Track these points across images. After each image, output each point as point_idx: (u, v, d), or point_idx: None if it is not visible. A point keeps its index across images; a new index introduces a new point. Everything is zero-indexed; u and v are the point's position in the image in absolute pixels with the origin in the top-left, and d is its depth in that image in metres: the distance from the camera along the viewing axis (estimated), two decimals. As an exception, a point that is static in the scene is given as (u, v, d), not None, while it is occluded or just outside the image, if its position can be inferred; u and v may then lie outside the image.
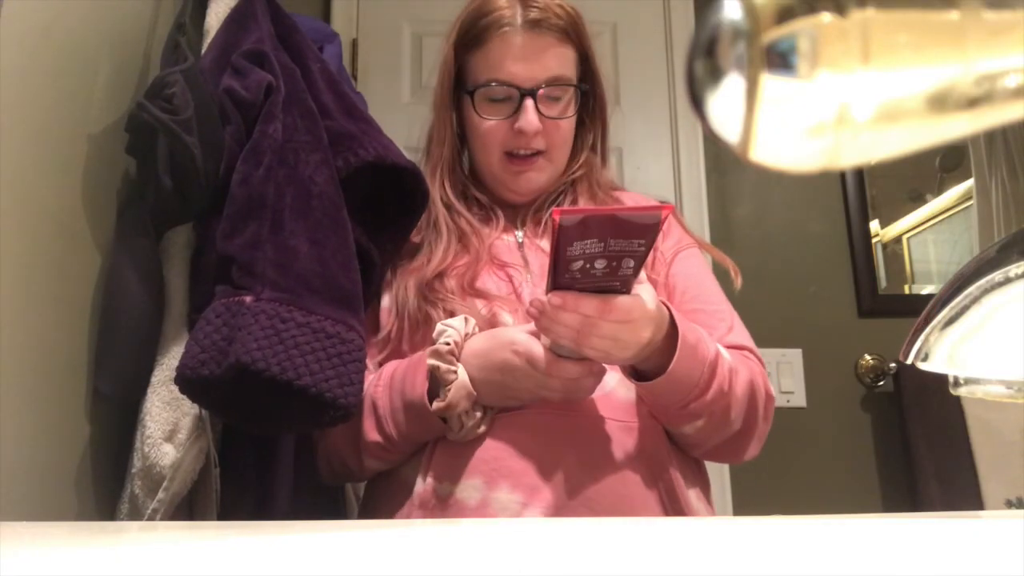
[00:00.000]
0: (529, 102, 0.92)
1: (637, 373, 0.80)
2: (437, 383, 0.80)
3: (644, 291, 0.75)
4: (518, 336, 0.79)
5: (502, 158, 0.95)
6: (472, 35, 0.95)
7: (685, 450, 0.88)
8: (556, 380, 0.77)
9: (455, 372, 0.79)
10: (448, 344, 0.80)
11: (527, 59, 0.92)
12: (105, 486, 0.82)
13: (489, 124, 0.94)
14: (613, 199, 0.99)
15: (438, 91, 0.99)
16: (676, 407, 0.80)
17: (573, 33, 0.96)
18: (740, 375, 0.83)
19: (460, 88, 0.98)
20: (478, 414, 0.80)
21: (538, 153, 0.95)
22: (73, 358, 0.80)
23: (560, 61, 0.94)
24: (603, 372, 0.79)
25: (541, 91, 0.92)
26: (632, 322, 0.72)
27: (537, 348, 0.77)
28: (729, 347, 0.86)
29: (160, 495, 0.77)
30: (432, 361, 0.80)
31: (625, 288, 0.72)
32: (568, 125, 0.97)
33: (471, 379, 0.79)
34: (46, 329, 0.76)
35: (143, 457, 0.77)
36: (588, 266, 0.68)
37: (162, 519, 0.77)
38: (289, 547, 0.34)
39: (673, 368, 0.76)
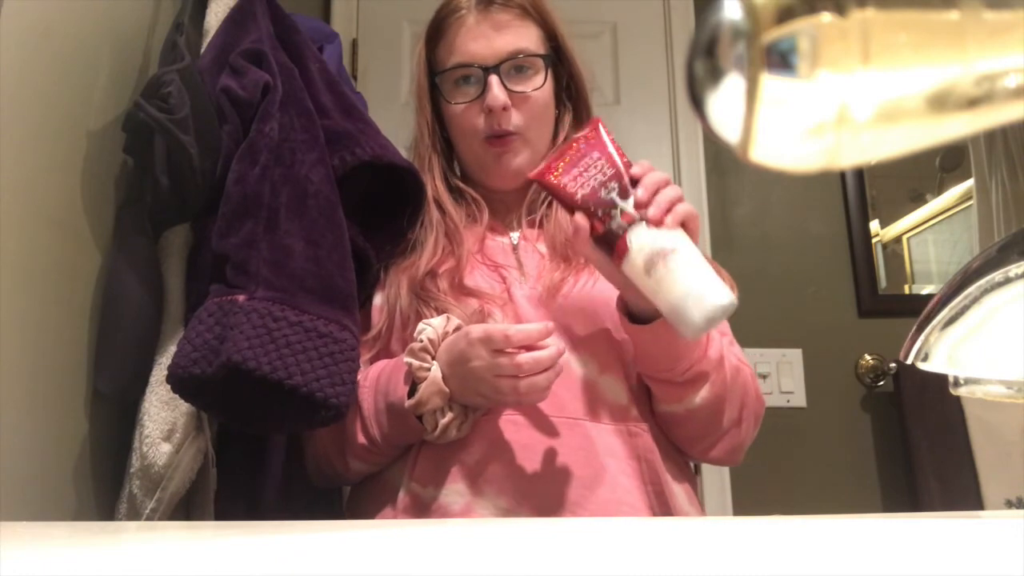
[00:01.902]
0: (493, 78, 0.91)
1: (639, 321, 0.79)
2: (416, 383, 0.79)
3: None
4: (476, 326, 0.77)
5: (482, 143, 0.94)
6: (434, 28, 0.98)
7: (683, 446, 0.88)
8: (507, 361, 0.74)
9: (427, 369, 0.78)
10: (422, 342, 0.79)
11: (485, 37, 0.93)
12: (104, 486, 0.82)
13: (460, 108, 0.94)
14: None
15: (415, 91, 1.00)
16: (682, 367, 0.80)
17: (533, 11, 0.96)
18: (730, 358, 0.85)
19: (434, 83, 0.98)
20: (450, 413, 0.78)
21: (514, 134, 0.93)
22: (73, 358, 0.80)
23: (520, 36, 0.94)
24: (562, 351, 0.76)
25: (504, 65, 0.92)
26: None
27: (493, 327, 0.76)
28: None
29: (158, 495, 0.77)
30: (407, 359, 0.79)
31: None
32: (541, 99, 0.95)
33: (444, 376, 0.77)
34: (46, 329, 0.76)
35: (141, 457, 0.77)
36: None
37: (160, 519, 0.77)
38: (288, 547, 0.34)
39: None
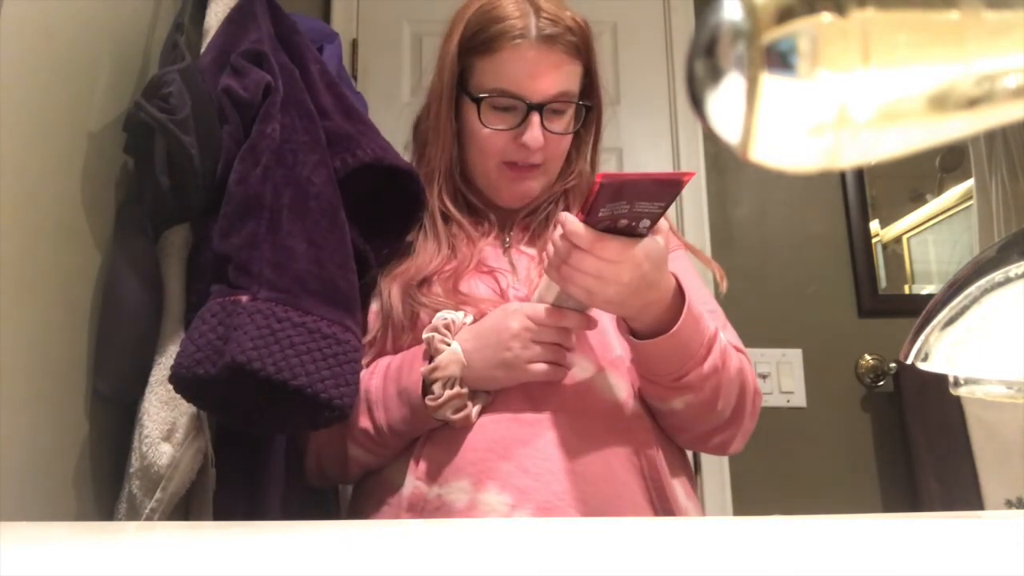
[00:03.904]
0: (535, 117, 0.91)
1: (636, 335, 0.81)
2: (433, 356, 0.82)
3: (651, 245, 0.76)
4: (511, 303, 0.84)
5: (499, 166, 0.95)
6: (481, 40, 0.92)
7: (671, 435, 0.88)
8: (549, 330, 0.80)
9: (448, 344, 0.81)
10: (446, 319, 0.83)
11: (539, 74, 0.91)
12: (104, 486, 0.82)
13: (491, 133, 0.93)
14: None
15: (437, 90, 0.96)
16: (671, 376, 0.80)
17: (583, 48, 0.94)
18: (732, 360, 0.85)
19: (461, 91, 0.96)
20: (459, 388, 0.80)
21: (536, 167, 0.95)
22: (73, 358, 0.80)
23: (569, 77, 0.93)
24: (596, 323, 0.82)
25: (548, 105, 0.92)
26: (618, 263, 0.73)
27: (532, 304, 0.81)
28: None
29: (158, 495, 0.77)
30: (427, 333, 0.82)
31: None
32: (568, 140, 0.97)
33: (465, 352, 0.81)
34: (46, 329, 0.76)
35: (141, 457, 0.77)
36: (611, 225, 0.74)
37: (160, 519, 0.77)
38: (288, 547, 0.34)
39: (678, 329, 0.77)
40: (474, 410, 0.81)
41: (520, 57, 0.90)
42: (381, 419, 0.83)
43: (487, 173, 0.96)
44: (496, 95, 0.91)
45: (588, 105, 0.97)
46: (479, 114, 0.93)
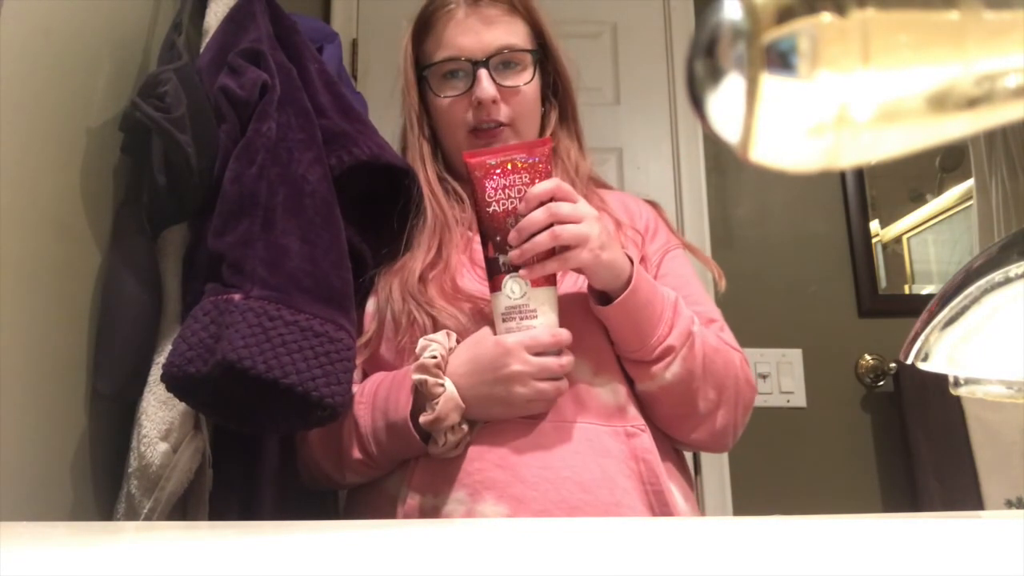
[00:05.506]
0: (482, 71, 0.92)
1: (608, 299, 0.82)
2: (422, 399, 0.79)
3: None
4: (503, 336, 0.80)
5: (468, 136, 0.95)
6: (422, 23, 0.98)
7: (667, 430, 0.87)
8: (551, 366, 0.79)
9: (442, 385, 0.79)
10: (434, 358, 0.79)
11: (474, 31, 0.94)
12: (103, 485, 0.82)
13: (448, 101, 0.95)
14: (597, 196, 0.98)
15: (402, 86, 1.00)
16: (648, 344, 0.81)
17: (521, 7, 0.97)
18: (710, 338, 0.86)
19: (421, 78, 0.98)
20: (463, 429, 0.79)
21: (502, 126, 0.94)
22: (72, 358, 0.80)
23: (509, 31, 0.95)
24: (569, 337, 0.81)
25: (493, 59, 0.93)
26: (578, 199, 0.81)
27: (524, 336, 0.80)
28: None
29: (156, 494, 0.77)
30: (418, 376, 0.79)
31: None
32: (529, 93, 0.96)
33: (458, 390, 0.79)
34: (45, 328, 0.76)
35: (139, 456, 0.77)
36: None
37: (158, 518, 0.77)
38: (286, 547, 0.34)
39: (637, 281, 0.80)
40: (467, 439, 0.80)
41: (454, 21, 0.95)
42: (373, 450, 0.83)
43: (458, 147, 0.96)
44: (441, 62, 0.95)
45: (532, 50, 0.97)
46: (432, 88, 0.96)
